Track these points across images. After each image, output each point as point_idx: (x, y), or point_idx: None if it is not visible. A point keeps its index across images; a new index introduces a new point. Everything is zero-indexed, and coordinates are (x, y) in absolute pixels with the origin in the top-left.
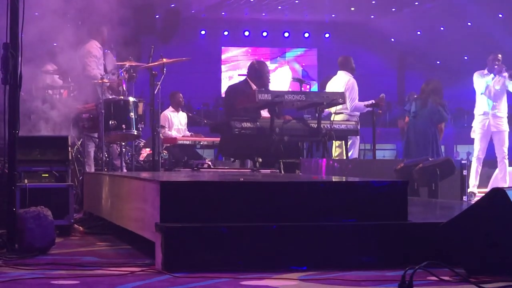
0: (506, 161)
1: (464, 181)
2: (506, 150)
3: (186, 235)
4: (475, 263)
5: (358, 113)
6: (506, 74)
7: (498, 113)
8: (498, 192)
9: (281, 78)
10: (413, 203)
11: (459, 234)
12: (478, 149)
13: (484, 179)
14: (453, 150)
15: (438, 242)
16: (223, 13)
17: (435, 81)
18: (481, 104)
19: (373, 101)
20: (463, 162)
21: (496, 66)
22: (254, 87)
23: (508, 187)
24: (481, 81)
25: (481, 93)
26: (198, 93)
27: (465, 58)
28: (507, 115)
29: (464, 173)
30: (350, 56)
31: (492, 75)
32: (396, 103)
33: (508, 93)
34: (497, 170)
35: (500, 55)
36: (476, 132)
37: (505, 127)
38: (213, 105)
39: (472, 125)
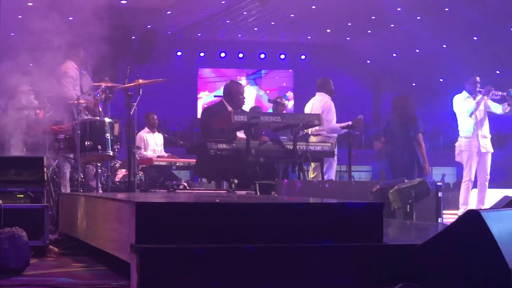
0: (487, 183)
1: (439, 203)
2: (488, 172)
3: (161, 256)
4: (450, 285)
5: (335, 135)
6: (500, 93)
7: (486, 134)
8: (473, 214)
9: (249, 98)
10: (389, 225)
11: (434, 256)
12: (471, 172)
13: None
14: (429, 171)
15: (414, 264)
16: (199, 35)
17: (403, 97)
18: (468, 126)
19: (350, 123)
20: (438, 184)
21: (478, 88)
22: (229, 108)
23: (484, 209)
24: (464, 103)
25: (469, 115)
26: (174, 114)
27: (441, 80)
28: (490, 136)
29: (439, 195)
30: (329, 78)
31: (479, 97)
32: (372, 124)
33: (489, 114)
34: (474, 191)
35: (478, 78)
36: (464, 155)
37: (491, 148)
38: (189, 126)
39: (460, 148)
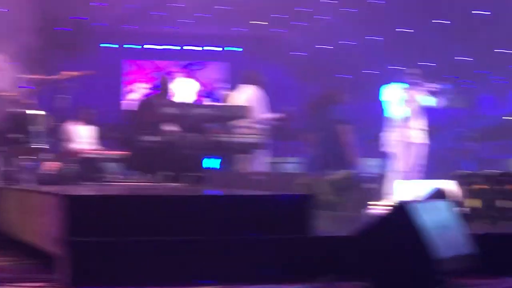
0: (417, 174)
1: (366, 194)
2: (419, 163)
3: (91, 249)
4: (380, 275)
5: (264, 126)
6: (432, 85)
7: (418, 126)
8: (404, 205)
9: (187, 90)
10: (317, 216)
11: (363, 247)
12: (401, 162)
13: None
14: (357, 162)
15: (342, 255)
16: (127, 26)
17: (330, 91)
18: (399, 117)
19: (279, 115)
20: (365, 175)
21: (414, 80)
22: (163, 100)
23: (414, 200)
24: (397, 93)
25: (400, 105)
26: (103, 106)
27: (366, 71)
28: (426, 128)
29: (366, 186)
30: (258, 70)
31: (411, 88)
32: (300, 116)
33: (427, 106)
34: (405, 182)
35: (416, 70)
36: (395, 145)
37: (422, 139)
38: (119, 119)
39: (390, 138)
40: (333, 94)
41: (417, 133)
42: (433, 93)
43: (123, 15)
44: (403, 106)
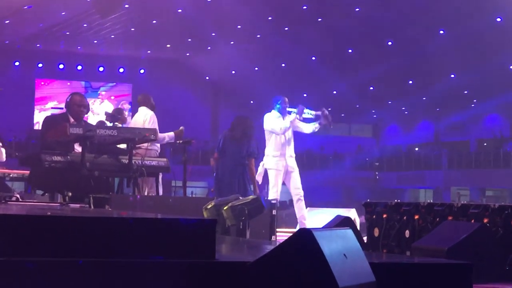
0: (303, 199)
1: (273, 220)
2: (301, 187)
3: None
4: None
5: (157, 148)
6: (313, 112)
7: (292, 154)
8: (305, 233)
9: (97, 111)
10: (222, 242)
11: (267, 273)
12: (278, 190)
13: (292, 219)
14: (264, 189)
15: (245, 281)
16: (38, 45)
17: (243, 117)
18: (277, 145)
19: (172, 133)
20: (272, 201)
21: (288, 108)
22: (72, 120)
23: (315, 228)
24: (276, 122)
25: (283, 132)
26: (10, 124)
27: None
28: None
29: (273, 213)
30: (148, 94)
31: (293, 115)
32: (209, 140)
33: (296, 133)
34: (309, 210)
35: (286, 98)
36: (272, 174)
37: (296, 167)
38: (25, 137)
39: (266, 166)
40: (247, 122)
41: (291, 161)
42: (309, 120)
43: (37, 34)
44: (284, 132)
